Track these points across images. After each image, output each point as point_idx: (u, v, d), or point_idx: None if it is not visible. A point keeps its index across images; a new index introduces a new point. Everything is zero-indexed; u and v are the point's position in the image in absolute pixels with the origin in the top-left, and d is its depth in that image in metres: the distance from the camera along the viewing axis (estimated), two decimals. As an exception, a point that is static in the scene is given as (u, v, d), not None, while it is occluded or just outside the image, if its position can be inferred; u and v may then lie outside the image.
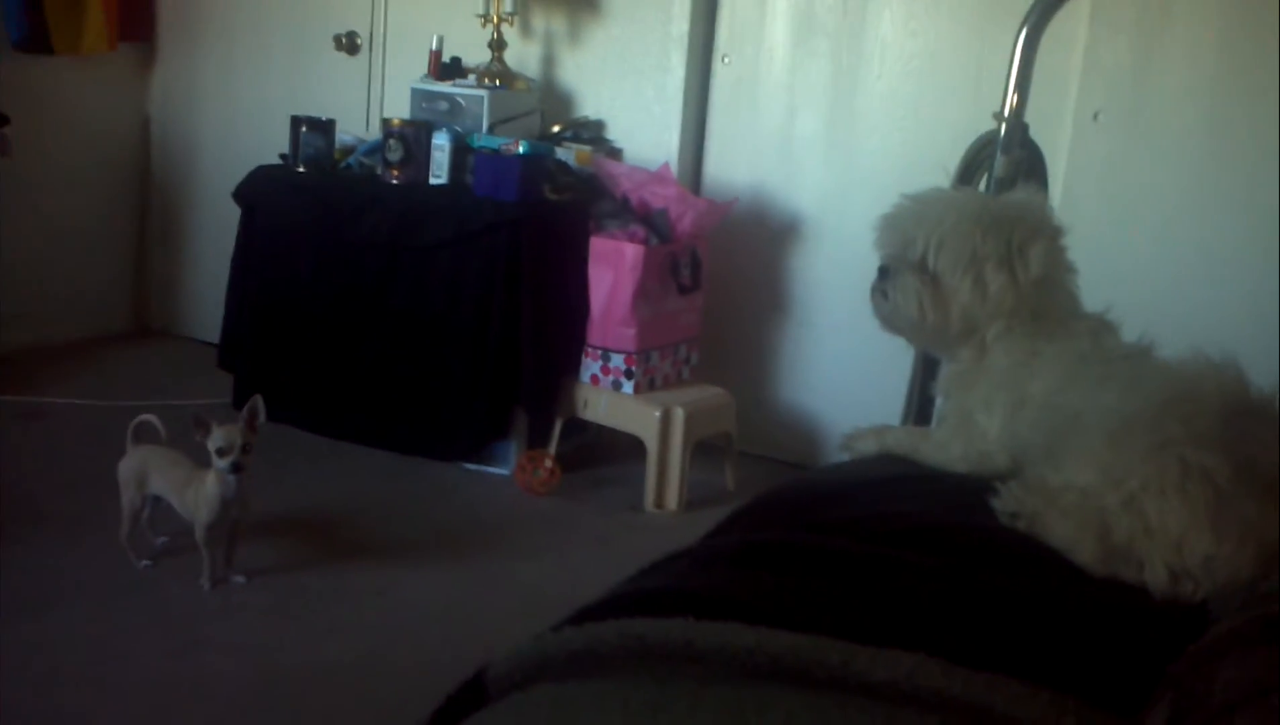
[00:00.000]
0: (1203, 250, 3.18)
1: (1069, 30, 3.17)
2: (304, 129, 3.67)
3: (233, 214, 3.77)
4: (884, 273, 1.56)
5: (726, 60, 3.72)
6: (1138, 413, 1.30)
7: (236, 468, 2.54)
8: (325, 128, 3.70)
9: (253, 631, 2.52)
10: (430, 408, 3.52)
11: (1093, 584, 1.18)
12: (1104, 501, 1.25)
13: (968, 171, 2.18)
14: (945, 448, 1.55)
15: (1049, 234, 1.51)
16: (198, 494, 2.60)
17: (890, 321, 1.59)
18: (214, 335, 3.93)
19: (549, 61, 3.90)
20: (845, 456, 1.70)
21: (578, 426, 3.55)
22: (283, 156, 3.77)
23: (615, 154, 3.76)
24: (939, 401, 1.70)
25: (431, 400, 3.51)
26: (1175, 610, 1.12)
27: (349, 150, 3.75)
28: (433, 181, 3.55)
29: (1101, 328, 1.51)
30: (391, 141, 3.55)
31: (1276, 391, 1.32)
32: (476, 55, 3.78)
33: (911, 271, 1.52)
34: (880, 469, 1.56)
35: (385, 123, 3.63)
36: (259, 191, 3.70)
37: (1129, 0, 3.17)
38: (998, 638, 1.03)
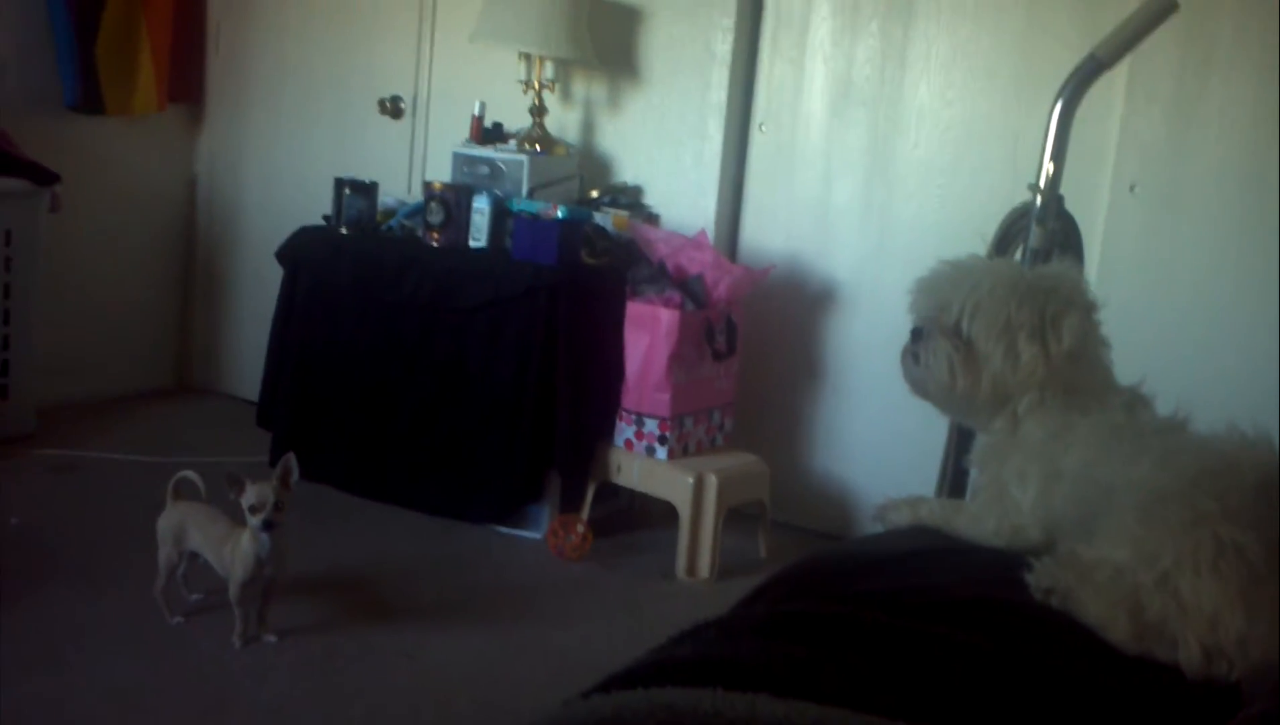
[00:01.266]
0: (1238, 323, 3.16)
1: (1105, 103, 3.18)
2: (347, 191, 3.73)
3: (275, 273, 3.82)
4: (917, 335, 1.57)
5: (764, 128, 3.76)
6: (1171, 488, 1.30)
7: (269, 525, 2.55)
8: (368, 190, 3.75)
9: (281, 692, 2.52)
10: (464, 470, 3.53)
11: (1125, 662, 1.17)
12: (1137, 578, 1.24)
13: (1003, 242, 2.19)
14: (979, 521, 1.55)
15: (1083, 307, 1.52)
16: (234, 551, 2.62)
17: (920, 385, 1.59)
18: (254, 393, 3.97)
19: (588, 127, 3.95)
20: (879, 527, 1.69)
21: (611, 491, 3.55)
22: (326, 217, 3.83)
23: (652, 220, 3.79)
24: (973, 473, 1.69)
25: (466, 462, 3.53)
26: (1208, 690, 1.11)
27: (391, 212, 3.81)
28: (472, 244, 3.59)
29: (1135, 401, 1.51)
30: (432, 204, 3.60)
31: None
32: (517, 121, 3.83)
33: (944, 335, 1.52)
34: (914, 541, 1.55)
35: (427, 186, 3.69)
36: (301, 251, 3.75)
37: (1164, 73, 3.18)
38: (1029, 717, 1.02)
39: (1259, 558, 1.21)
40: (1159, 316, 3.20)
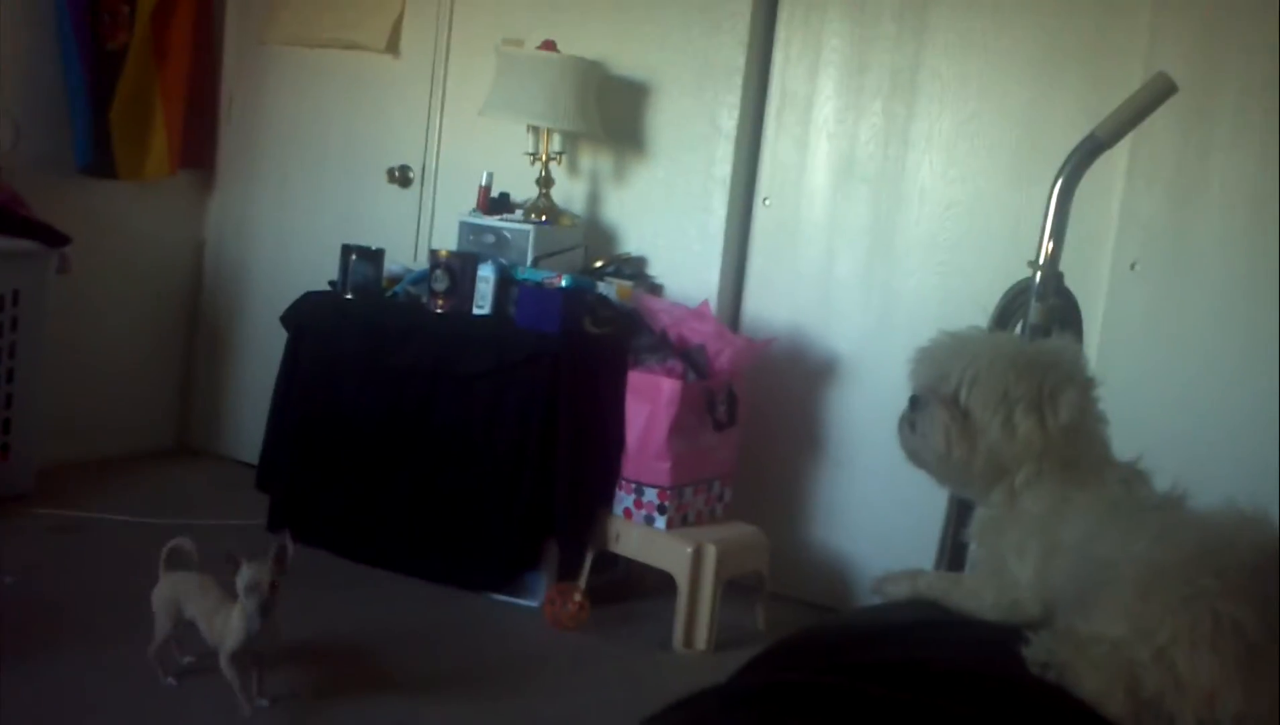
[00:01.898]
0: (1239, 400, 3.17)
1: (1106, 181, 3.22)
2: (353, 257, 3.76)
3: (279, 338, 3.84)
4: (914, 403, 1.58)
5: (768, 202, 3.80)
6: (1169, 563, 1.30)
7: (264, 609, 2.52)
8: (374, 257, 3.79)
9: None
10: (463, 537, 3.52)
11: (1122, 738, 1.17)
12: (1134, 654, 1.24)
13: (1003, 318, 2.21)
14: (977, 595, 1.54)
15: (1081, 382, 1.52)
16: (225, 623, 2.60)
17: (916, 454, 1.59)
18: (254, 456, 3.98)
19: (594, 199, 4.00)
20: (877, 599, 1.69)
21: (609, 560, 3.54)
22: (331, 283, 3.86)
23: (656, 290, 3.82)
24: (972, 547, 1.69)
25: (464, 529, 3.52)
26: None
27: (396, 279, 3.84)
28: (476, 312, 3.62)
29: (1133, 476, 1.51)
30: (438, 272, 3.63)
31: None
32: (524, 191, 3.88)
33: (942, 405, 1.53)
34: (912, 613, 1.55)
35: (433, 253, 3.72)
36: (306, 316, 3.78)
37: (1165, 153, 3.22)
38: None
39: (1257, 634, 1.20)
40: (1160, 393, 3.21)
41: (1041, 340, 1.79)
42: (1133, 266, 3.29)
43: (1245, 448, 3.11)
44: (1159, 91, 2.04)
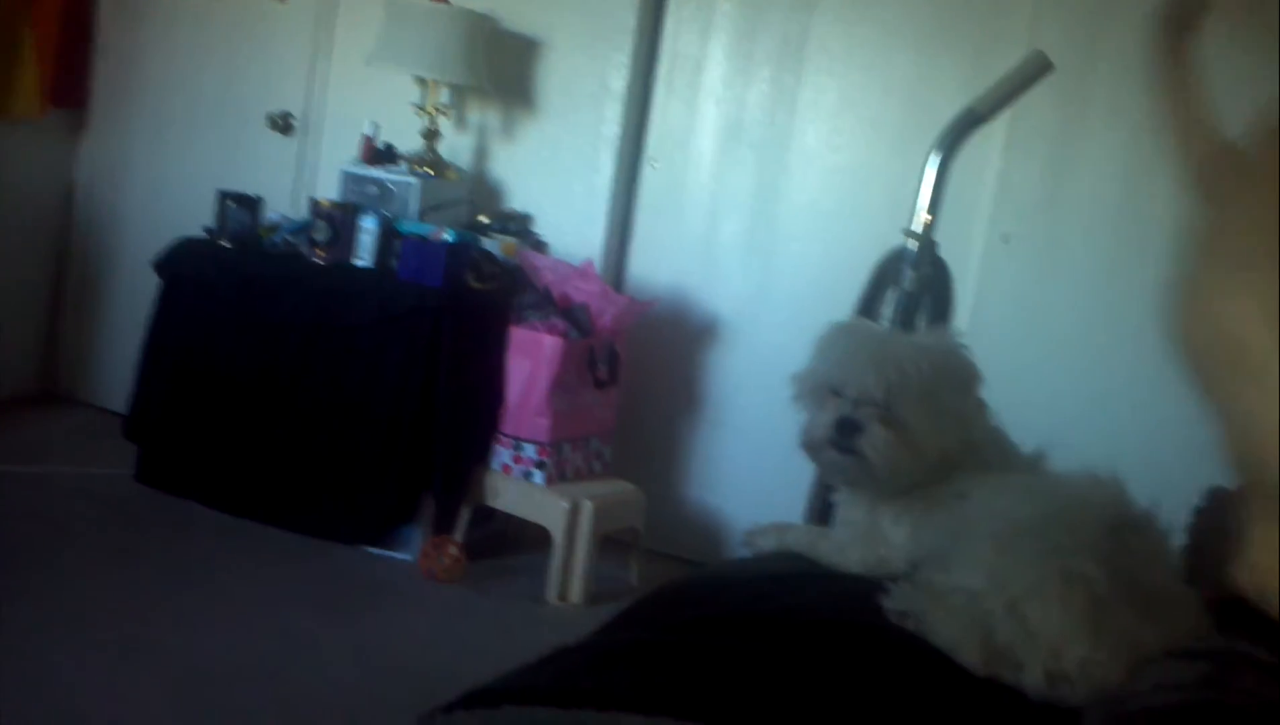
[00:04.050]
0: (1100, 371, 3.30)
1: (983, 155, 3.30)
2: (230, 204, 3.68)
3: (151, 285, 3.74)
4: (849, 427, 1.51)
5: (655, 164, 3.81)
6: (1025, 522, 1.35)
7: None
8: (252, 204, 3.71)
9: (140, 704, 2.45)
10: (338, 489, 3.49)
11: (973, 684, 1.22)
12: (989, 605, 1.29)
13: (876, 284, 2.25)
14: (844, 549, 1.58)
15: (979, 377, 1.57)
16: None
17: (855, 477, 1.56)
18: (122, 405, 3.87)
19: (481, 154, 3.96)
20: (745, 552, 1.73)
21: (486, 515, 3.55)
22: (207, 230, 3.77)
23: (541, 247, 3.81)
24: (840, 503, 1.72)
25: (340, 482, 3.48)
26: (1050, 712, 1.16)
27: (274, 228, 3.76)
28: (357, 264, 3.57)
29: (999, 440, 1.57)
30: (318, 222, 3.56)
31: (1156, 509, 1.38)
32: (410, 144, 3.83)
33: (882, 423, 1.50)
34: (778, 566, 1.59)
35: (314, 203, 3.65)
36: (180, 263, 3.68)
37: (1041, 129, 3.32)
38: (880, 733, 1.06)
39: (1104, 590, 1.26)
40: (1028, 359, 3.32)
41: (932, 336, 1.78)
42: (1005, 239, 3.39)
43: (1104, 414, 3.24)
44: (1035, 69, 2.09)
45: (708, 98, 3.75)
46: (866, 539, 1.55)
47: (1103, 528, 1.32)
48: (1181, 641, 1.21)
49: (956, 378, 1.54)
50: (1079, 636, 1.23)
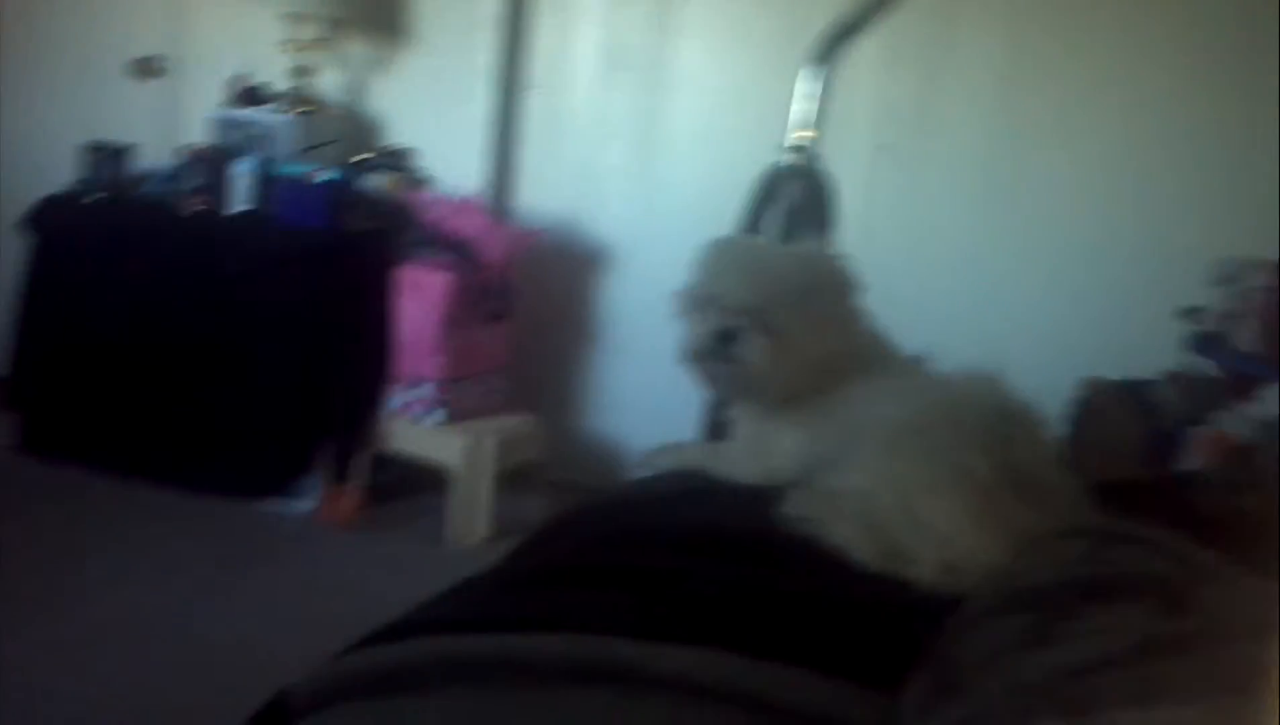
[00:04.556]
0: (980, 274, 3.38)
1: (859, 69, 3.31)
2: (97, 156, 3.55)
3: (19, 245, 3.60)
4: (727, 336, 1.53)
5: (534, 92, 3.77)
6: (911, 422, 1.38)
7: None
8: (120, 155, 3.58)
9: (45, 677, 2.41)
10: (231, 444, 3.42)
11: (868, 579, 1.25)
12: (880, 504, 1.32)
13: (759, 201, 2.27)
14: (739, 463, 1.61)
15: (856, 285, 1.59)
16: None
17: (736, 385, 1.58)
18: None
19: (357, 89, 3.88)
20: (643, 473, 1.74)
21: (385, 458, 3.52)
22: (75, 184, 3.63)
23: (424, 183, 3.75)
24: (737, 422, 1.74)
25: (232, 436, 3.42)
26: (941, 597, 1.19)
27: (145, 178, 3.64)
28: (235, 210, 3.48)
29: (884, 344, 1.60)
30: (190, 169, 3.46)
31: (1035, 401, 1.42)
32: (283, 82, 3.72)
33: (760, 330, 1.51)
34: (674, 484, 1.60)
35: (184, 150, 3.54)
36: (49, 221, 3.55)
37: (913, 41, 3.35)
38: (779, 633, 1.08)
39: (990, 482, 1.31)
40: (912, 265, 3.38)
41: (808, 246, 1.82)
42: (883, 149, 3.43)
43: (986, 314, 3.33)
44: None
45: (586, 21, 3.71)
46: (759, 450, 1.57)
47: (984, 422, 1.36)
48: (1063, 523, 1.26)
49: (832, 285, 1.57)
50: (967, 527, 1.27)
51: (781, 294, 1.51)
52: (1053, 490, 1.34)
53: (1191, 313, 2.80)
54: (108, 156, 3.56)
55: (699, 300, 1.58)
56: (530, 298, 3.71)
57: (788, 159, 2.17)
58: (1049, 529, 1.24)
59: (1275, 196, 3.02)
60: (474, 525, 3.33)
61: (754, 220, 2.20)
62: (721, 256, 1.60)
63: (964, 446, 1.33)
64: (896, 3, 2.17)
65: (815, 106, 2.16)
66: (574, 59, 3.73)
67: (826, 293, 1.55)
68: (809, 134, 2.17)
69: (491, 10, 3.70)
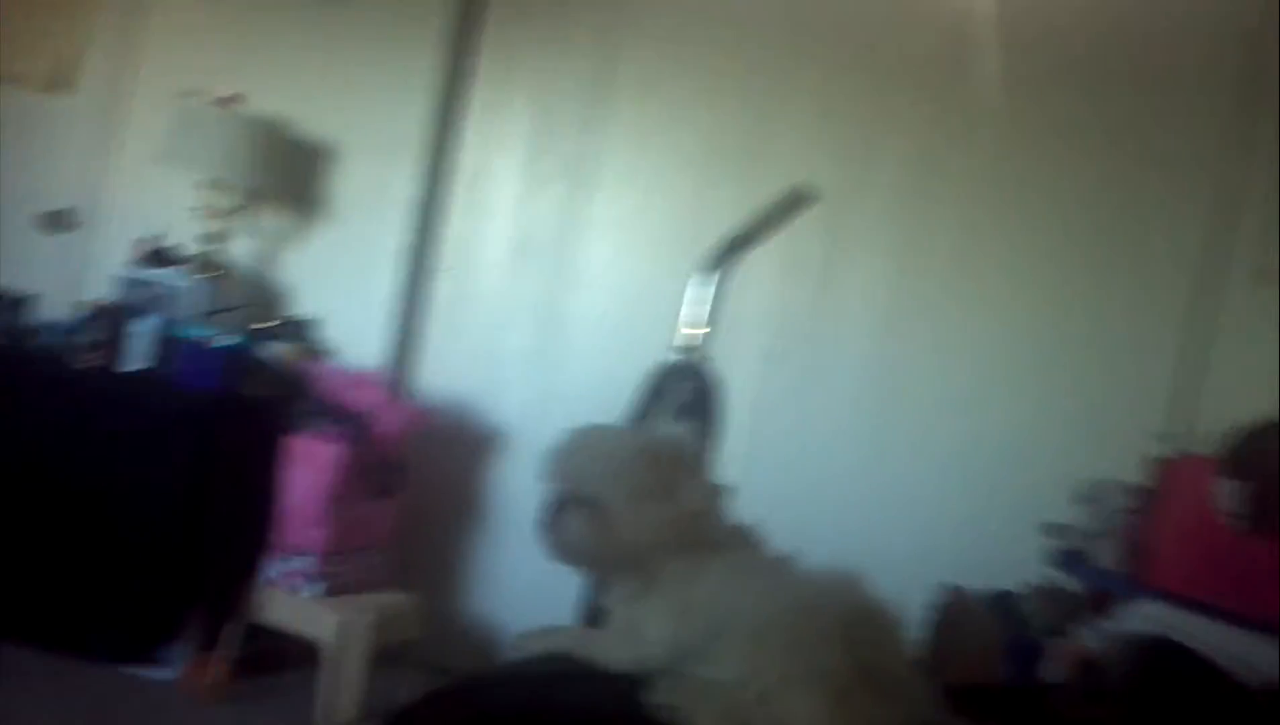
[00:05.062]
0: (862, 479, 3.49)
1: (754, 278, 3.48)
2: (-5, 303, 3.53)
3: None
4: (554, 506, 1.67)
5: (444, 273, 3.87)
6: (776, 618, 1.44)
7: None
8: (18, 304, 3.57)
9: None
10: (102, 605, 3.32)
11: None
12: (744, 695, 1.36)
13: (650, 397, 2.34)
14: (611, 649, 1.64)
15: (700, 471, 1.68)
16: None
17: (563, 553, 1.69)
18: None
19: (267, 258, 3.93)
20: (516, 656, 1.75)
21: (259, 630, 3.44)
22: (-32, 330, 3.60)
23: (324, 354, 3.79)
24: (612, 610, 1.78)
25: (102, 598, 3.32)
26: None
27: (43, 329, 3.62)
28: (130, 368, 3.46)
29: (751, 540, 1.66)
30: (90, 324, 3.45)
31: (898, 604, 1.49)
32: (196, 245, 3.77)
33: (580, 505, 1.63)
34: (546, 667, 1.62)
35: (86, 304, 3.54)
36: (-65, 363, 3.50)
37: (811, 250, 3.53)
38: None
39: (847, 679, 1.36)
40: (799, 465, 3.49)
41: (664, 432, 1.93)
42: (775, 353, 3.57)
43: (860, 518, 3.42)
44: (797, 200, 2.26)
45: (499, 211, 3.85)
46: (630, 636, 1.60)
47: (844, 621, 1.42)
48: (916, 721, 1.31)
49: (671, 468, 1.65)
50: (824, 723, 1.31)
51: (608, 473, 1.62)
52: (908, 691, 1.39)
53: (1056, 529, 2.92)
54: (5, 305, 3.54)
55: (544, 478, 1.66)
56: (421, 475, 3.72)
57: (677, 357, 2.26)
58: (901, 727, 1.29)
59: (1135, 420, 3.21)
60: (345, 704, 3.26)
61: (642, 414, 2.28)
62: (569, 439, 1.70)
63: (824, 645, 1.38)
64: (789, 220, 2.31)
65: (706, 310, 2.27)
66: (486, 245, 3.85)
67: (664, 475, 1.64)
68: (698, 335, 2.27)
69: (406, 192, 3.82)
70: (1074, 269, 3.45)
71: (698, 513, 1.64)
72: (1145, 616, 2.31)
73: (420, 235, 3.86)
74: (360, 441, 3.41)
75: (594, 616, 2.21)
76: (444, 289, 3.88)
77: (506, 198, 3.84)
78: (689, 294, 2.39)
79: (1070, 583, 2.73)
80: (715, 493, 1.69)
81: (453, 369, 3.85)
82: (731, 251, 2.27)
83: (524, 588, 3.70)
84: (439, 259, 3.88)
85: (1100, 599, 2.53)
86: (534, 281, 3.81)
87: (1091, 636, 2.35)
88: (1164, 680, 1.95)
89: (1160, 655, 2.06)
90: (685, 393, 2.26)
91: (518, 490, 3.75)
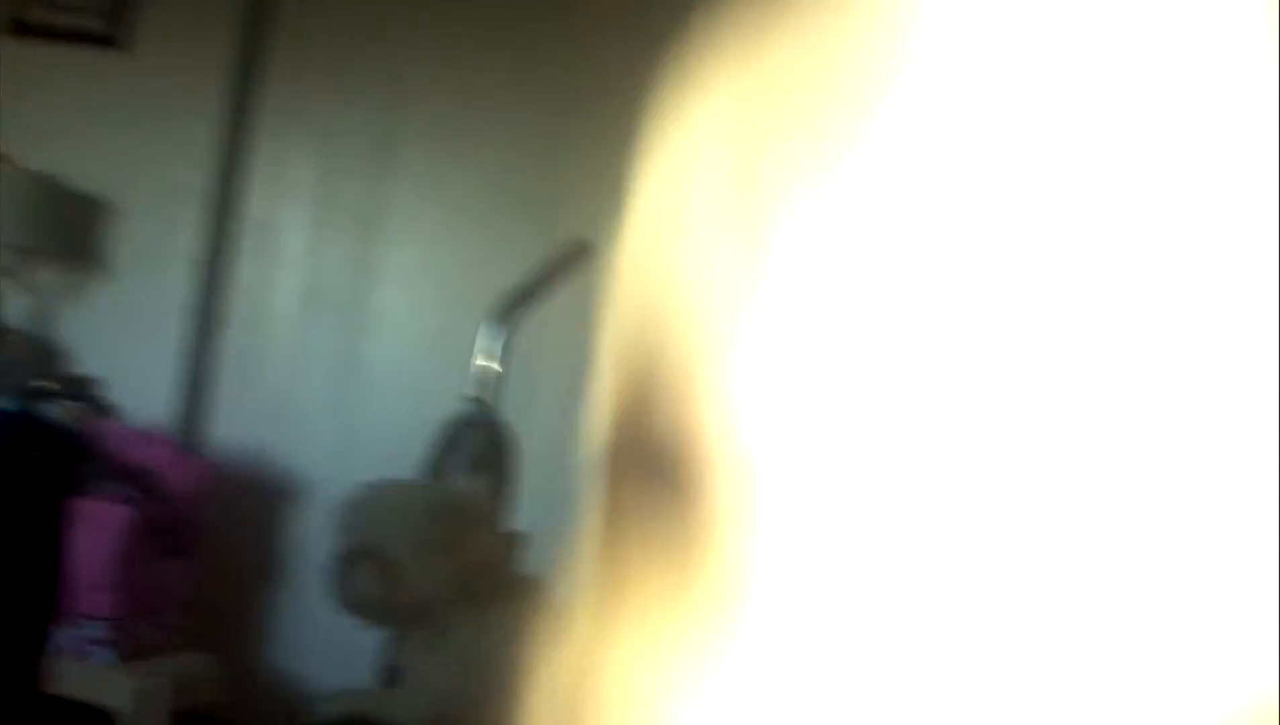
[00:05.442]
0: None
1: (554, 320, 3.55)
2: None
3: None
4: (344, 560, 1.70)
5: (231, 327, 3.81)
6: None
7: None
8: None
9: None
10: None
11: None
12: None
13: (443, 448, 2.38)
14: (408, 707, 1.68)
15: (488, 524, 1.73)
16: None
17: (351, 606, 1.72)
18: None
19: (44, 316, 3.80)
20: (316, 720, 1.77)
21: (51, 699, 3.31)
22: None
23: (108, 413, 3.68)
24: (407, 666, 1.82)
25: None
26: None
27: None
28: (-104, 435, 3.30)
29: (544, 589, 1.72)
30: None
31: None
32: (-39, 305, 3.62)
33: (368, 561, 1.67)
34: (345, 728, 1.65)
35: None
36: None
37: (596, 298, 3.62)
38: None
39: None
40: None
41: (456, 486, 1.98)
42: (573, 395, 3.65)
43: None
44: (574, 254, 2.34)
45: (288, 263, 3.82)
46: (423, 693, 1.65)
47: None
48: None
49: (459, 521, 1.71)
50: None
51: (395, 527, 1.67)
52: None
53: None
54: None
55: (333, 533, 1.73)
56: (218, 532, 3.65)
57: (468, 408, 2.31)
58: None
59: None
60: (141, 773, 3.17)
61: (436, 466, 2.32)
62: (357, 494, 1.75)
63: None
64: (570, 271, 2.39)
65: (496, 360, 2.33)
66: (276, 297, 3.81)
67: (449, 528, 1.69)
68: (488, 385, 2.33)
69: (189, 246, 3.76)
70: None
71: (485, 565, 1.69)
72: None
73: (206, 289, 3.80)
74: (149, 501, 3.33)
75: (392, 674, 2.24)
76: (234, 342, 3.82)
77: (295, 248, 3.81)
78: (480, 344, 2.44)
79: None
80: (505, 544, 1.75)
81: (246, 423, 3.79)
82: (517, 303, 2.34)
83: (326, 642, 3.66)
84: (227, 312, 3.82)
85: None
86: (328, 332, 3.79)
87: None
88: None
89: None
90: (478, 444, 2.31)
91: (316, 543, 3.71)
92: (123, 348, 3.78)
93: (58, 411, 3.48)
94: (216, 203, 3.79)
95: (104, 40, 3.83)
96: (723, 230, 0.24)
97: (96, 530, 3.25)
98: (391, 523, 1.68)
